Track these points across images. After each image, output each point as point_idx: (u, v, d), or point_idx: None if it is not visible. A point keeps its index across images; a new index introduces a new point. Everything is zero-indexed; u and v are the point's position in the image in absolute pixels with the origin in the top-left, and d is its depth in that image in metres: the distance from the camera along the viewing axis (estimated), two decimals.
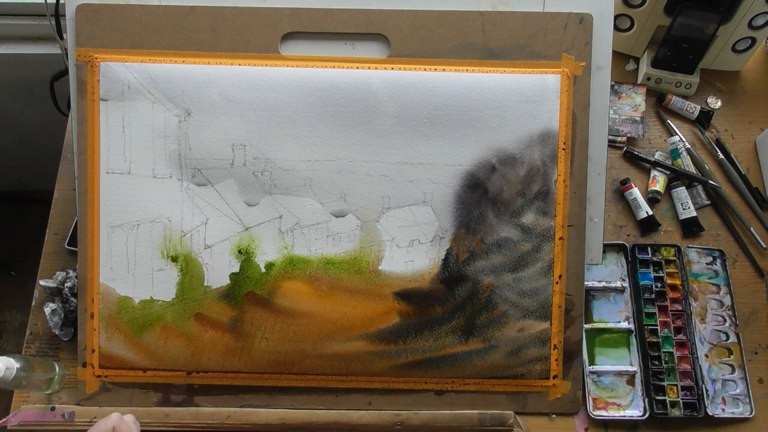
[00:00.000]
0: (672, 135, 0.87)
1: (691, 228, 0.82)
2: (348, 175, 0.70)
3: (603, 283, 0.78)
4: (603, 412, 0.73)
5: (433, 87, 0.70)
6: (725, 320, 0.78)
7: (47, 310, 0.73)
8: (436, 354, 0.71)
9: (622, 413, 0.73)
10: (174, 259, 0.70)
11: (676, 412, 0.73)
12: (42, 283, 0.74)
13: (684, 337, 0.76)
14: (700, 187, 0.85)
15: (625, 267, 0.79)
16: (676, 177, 0.85)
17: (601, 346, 0.76)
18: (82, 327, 0.71)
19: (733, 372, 0.75)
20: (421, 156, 0.70)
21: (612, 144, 0.86)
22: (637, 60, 0.93)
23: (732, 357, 0.76)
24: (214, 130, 0.70)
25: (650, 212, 0.82)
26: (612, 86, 0.87)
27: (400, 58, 0.70)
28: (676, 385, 0.74)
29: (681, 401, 0.73)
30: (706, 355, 0.76)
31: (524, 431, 0.71)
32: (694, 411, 0.73)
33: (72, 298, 0.73)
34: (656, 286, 0.78)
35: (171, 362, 0.71)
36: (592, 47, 0.71)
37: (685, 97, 0.90)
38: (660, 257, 0.80)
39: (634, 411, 0.73)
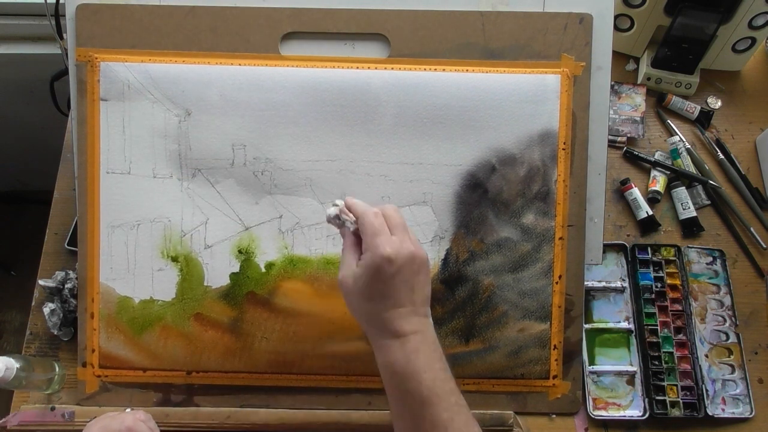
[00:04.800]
0: (672, 135, 0.87)
1: (691, 228, 0.82)
2: (348, 175, 0.70)
3: (603, 283, 0.78)
4: (603, 412, 0.73)
5: (433, 87, 0.70)
6: (725, 320, 0.78)
7: (46, 310, 0.73)
8: None
9: (622, 413, 0.73)
10: (174, 259, 0.70)
11: (676, 412, 0.73)
12: (42, 282, 0.74)
13: (684, 337, 0.76)
14: (700, 187, 0.85)
15: (625, 267, 0.79)
16: (676, 177, 0.85)
17: (601, 346, 0.76)
18: (82, 327, 0.71)
19: (733, 372, 0.75)
20: (421, 156, 0.70)
21: (612, 144, 0.86)
22: (637, 60, 0.93)
23: (732, 357, 0.76)
24: (214, 130, 0.70)
25: (650, 212, 0.82)
26: (612, 86, 0.87)
27: (400, 58, 0.70)
28: (676, 385, 0.74)
29: (681, 401, 0.73)
30: (706, 355, 0.76)
31: (524, 431, 0.71)
32: (694, 411, 0.73)
33: (72, 299, 0.73)
34: (656, 286, 0.78)
35: (171, 362, 0.71)
36: (592, 47, 0.71)
37: (685, 97, 0.90)
38: (660, 257, 0.80)
39: (634, 411, 0.73)
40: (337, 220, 0.57)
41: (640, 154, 0.86)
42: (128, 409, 0.67)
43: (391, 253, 0.52)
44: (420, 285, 0.54)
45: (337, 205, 0.57)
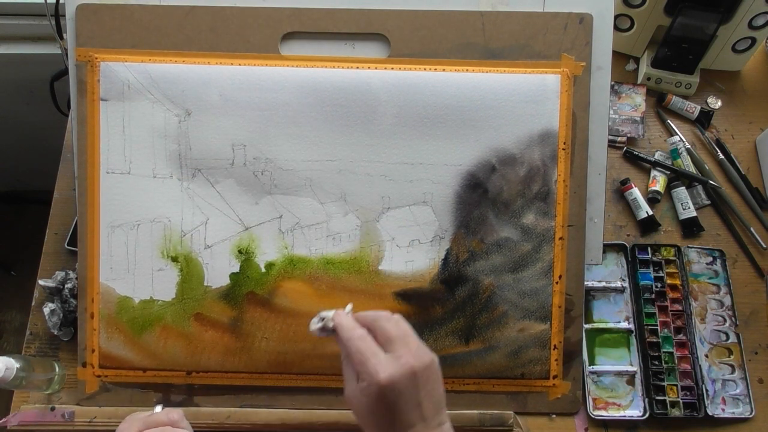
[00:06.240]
0: (672, 135, 0.87)
1: (691, 228, 0.82)
2: (348, 175, 0.70)
3: (603, 283, 0.78)
4: (603, 412, 0.73)
5: (433, 87, 0.70)
6: (725, 320, 0.78)
7: (46, 310, 0.73)
8: (437, 354, 0.71)
9: (622, 413, 0.73)
10: (174, 259, 0.70)
11: (676, 412, 0.73)
12: (42, 282, 0.74)
13: (684, 337, 0.76)
14: (700, 187, 0.85)
15: (625, 267, 0.79)
16: (676, 177, 0.85)
17: (601, 346, 0.76)
18: (82, 327, 0.71)
19: (733, 372, 0.75)
20: (421, 156, 0.70)
21: (612, 144, 0.86)
22: (637, 60, 0.93)
23: (732, 357, 0.76)
24: (214, 130, 0.70)
25: (650, 212, 0.82)
26: (612, 86, 0.87)
27: (400, 58, 0.70)
28: (676, 385, 0.74)
29: (681, 401, 0.73)
30: (706, 355, 0.76)
31: (524, 431, 0.71)
32: (694, 411, 0.73)
33: (72, 299, 0.73)
34: (656, 286, 0.78)
35: (171, 362, 0.71)
36: (592, 47, 0.71)
37: (685, 97, 0.90)
38: (660, 257, 0.80)
39: (634, 411, 0.73)
40: (324, 332, 0.53)
41: (640, 154, 0.86)
42: (158, 407, 0.62)
43: (386, 380, 0.47)
44: (428, 396, 0.50)
45: (323, 319, 0.52)
